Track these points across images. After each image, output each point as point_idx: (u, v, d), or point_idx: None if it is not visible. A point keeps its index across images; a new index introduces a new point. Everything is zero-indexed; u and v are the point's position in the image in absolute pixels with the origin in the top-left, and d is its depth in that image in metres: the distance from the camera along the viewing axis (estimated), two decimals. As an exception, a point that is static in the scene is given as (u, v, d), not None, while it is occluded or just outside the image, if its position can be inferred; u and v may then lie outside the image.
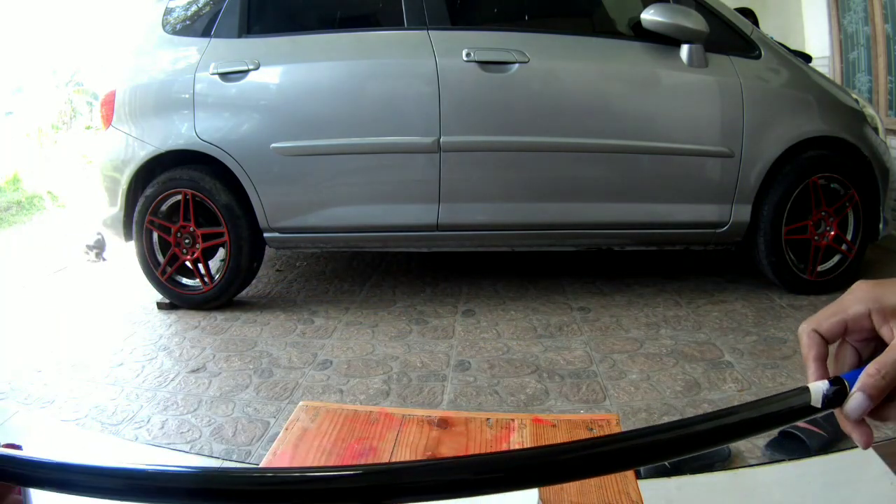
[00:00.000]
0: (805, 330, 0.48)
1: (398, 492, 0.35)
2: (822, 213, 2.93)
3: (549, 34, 2.91)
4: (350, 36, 2.99)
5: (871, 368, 0.43)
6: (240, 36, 2.90)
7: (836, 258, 2.99)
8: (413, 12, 2.83)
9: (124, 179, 2.96)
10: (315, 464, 0.79)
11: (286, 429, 0.87)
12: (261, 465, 0.75)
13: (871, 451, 1.75)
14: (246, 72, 2.83)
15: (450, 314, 2.92)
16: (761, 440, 1.85)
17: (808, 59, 3.36)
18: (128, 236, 3.06)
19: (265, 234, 2.94)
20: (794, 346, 2.47)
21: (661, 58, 2.80)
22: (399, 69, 2.89)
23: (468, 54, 2.75)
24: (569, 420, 0.88)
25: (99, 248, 4.13)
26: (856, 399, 0.43)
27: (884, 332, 0.44)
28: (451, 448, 0.82)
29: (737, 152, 2.80)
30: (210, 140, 2.85)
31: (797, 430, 1.82)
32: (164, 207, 2.99)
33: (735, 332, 2.61)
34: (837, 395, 0.43)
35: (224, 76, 2.84)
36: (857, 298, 0.46)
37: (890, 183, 2.99)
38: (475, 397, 2.17)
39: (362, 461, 0.79)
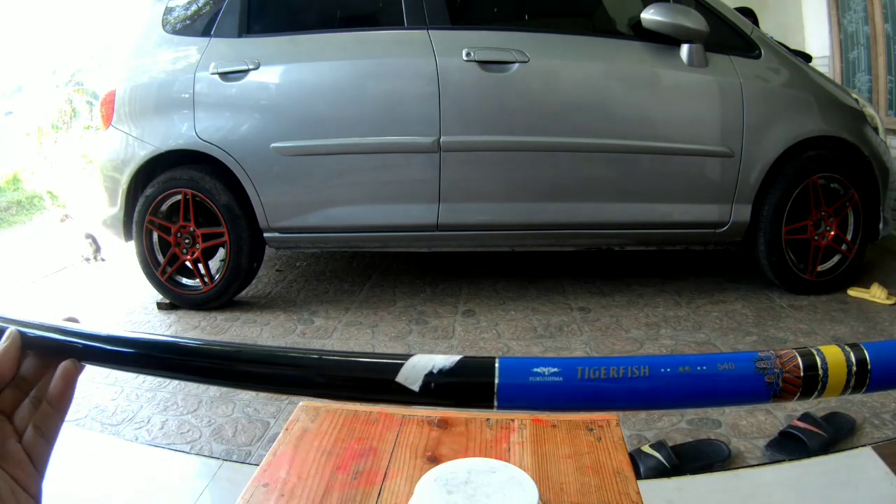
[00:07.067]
0: None
1: None
2: (822, 213, 2.93)
3: (549, 34, 2.91)
4: (350, 36, 2.98)
5: None
6: (240, 35, 2.90)
7: (836, 258, 2.99)
8: (413, 12, 2.83)
9: (124, 179, 2.95)
10: (315, 464, 0.79)
11: (286, 429, 0.87)
12: (261, 466, 0.75)
13: (871, 450, 1.75)
14: (246, 71, 2.83)
15: (450, 314, 2.92)
16: (761, 441, 1.85)
17: (808, 58, 3.36)
18: (128, 236, 3.06)
19: (265, 234, 2.94)
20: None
21: (662, 57, 2.80)
22: (399, 69, 2.89)
23: (468, 54, 2.75)
24: (569, 420, 0.87)
25: (94, 250, 4.12)
26: None
27: None
28: (451, 448, 0.82)
29: (737, 152, 2.80)
30: (210, 140, 2.85)
31: (797, 430, 1.82)
32: (164, 207, 2.99)
33: (735, 332, 2.62)
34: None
35: (224, 76, 2.84)
36: None
37: (890, 183, 2.99)
38: (475, 397, 2.17)
39: (362, 461, 0.79)
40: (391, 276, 3.51)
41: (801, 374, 0.32)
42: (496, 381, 0.30)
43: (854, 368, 0.32)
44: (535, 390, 0.30)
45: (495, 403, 0.30)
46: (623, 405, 0.31)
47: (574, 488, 0.73)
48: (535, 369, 0.30)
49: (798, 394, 0.33)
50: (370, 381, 0.31)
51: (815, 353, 0.33)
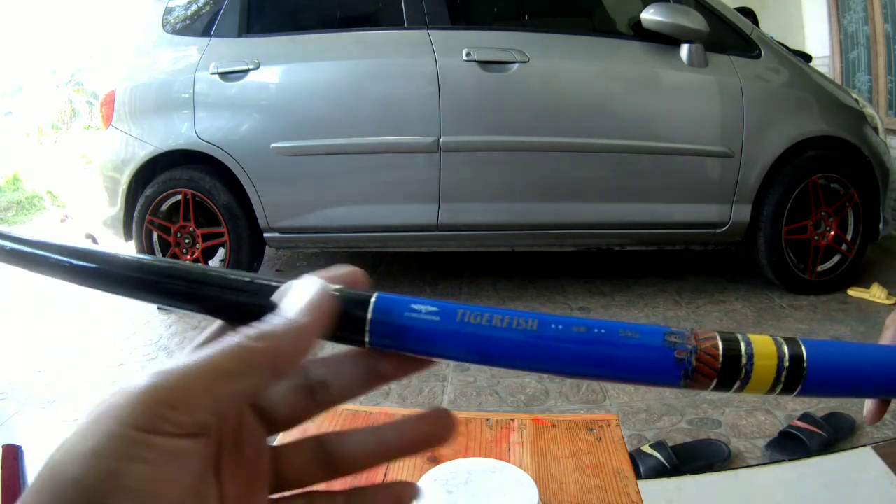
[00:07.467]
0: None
1: None
2: (822, 213, 2.93)
3: (549, 34, 2.91)
4: (350, 35, 2.98)
5: None
6: (240, 35, 2.90)
7: (836, 258, 2.99)
8: (413, 12, 2.83)
9: (124, 179, 2.95)
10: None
11: (286, 429, 0.86)
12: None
13: (870, 451, 1.75)
14: (246, 71, 2.83)
15: (450, 314, 2.92)
16: (761, 441, 1.85)
17: (808, 58, 3.36)
18: (128, 236, 3.06)
19: (265, 234, 2.94)
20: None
21: (662, 57, 2.80)
22: (399, 69, 2.89)
23: (468, 54, 2.75)
24: (569, 420, 0.87)
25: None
26: None
27: None
28: (450, 448, 0.82)
29: (737, 152, 2.80)
30: (210, 140, 2.85)
31: (797, 430, 1.82)
32: (163, 207, 2.99)
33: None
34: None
35: (224, 76, 2.84)
36: None
37: (890, 183, 2.99)
38: (475, 397, 2.17)
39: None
40: (391, 276, 3.51)
41: (720, 357, 0.27)
42: (368, 316, 0.28)
43: (786, 364, 0.28)
44: (411, 330, 0.29)
45: (367, 339, 0.29)
46: (505, 360, 0.28)
47: (574, 488, 0.73)
48: (413, 306, 0.29)
49: (714, 381, 0.27)
50: (242, 303, 0.29)
51: (740, 338, 0.28)
